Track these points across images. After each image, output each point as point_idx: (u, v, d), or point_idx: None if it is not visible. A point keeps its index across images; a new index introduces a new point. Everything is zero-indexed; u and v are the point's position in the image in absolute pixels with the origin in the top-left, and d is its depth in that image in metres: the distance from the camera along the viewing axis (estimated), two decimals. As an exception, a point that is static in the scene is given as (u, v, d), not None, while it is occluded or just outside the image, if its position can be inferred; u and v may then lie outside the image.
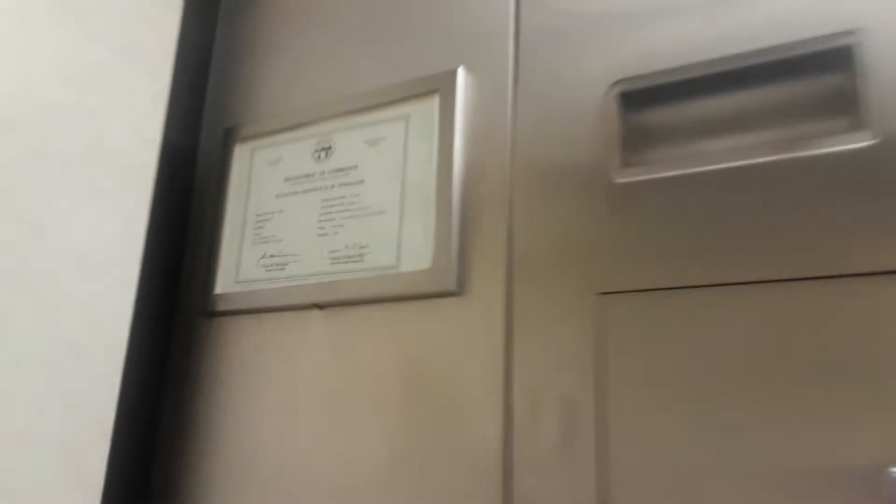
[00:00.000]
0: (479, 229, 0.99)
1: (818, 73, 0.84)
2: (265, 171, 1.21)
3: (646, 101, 0.93)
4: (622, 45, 0.95)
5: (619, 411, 0.83)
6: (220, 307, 1.17)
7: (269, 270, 1.14)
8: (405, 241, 1.03)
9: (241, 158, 1.24)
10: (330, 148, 1.15)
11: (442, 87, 1.06)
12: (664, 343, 0.82)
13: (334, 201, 1.11)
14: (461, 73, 1.06)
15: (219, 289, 1.18)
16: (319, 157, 1.16)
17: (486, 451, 0.90)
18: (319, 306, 1.08)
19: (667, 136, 0.92)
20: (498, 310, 0.95)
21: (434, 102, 1.07)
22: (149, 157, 1.13)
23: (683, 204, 0.85)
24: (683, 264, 0.83)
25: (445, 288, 0.98)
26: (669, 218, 0.86)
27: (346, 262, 1.07)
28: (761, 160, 0.83)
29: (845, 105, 0.82)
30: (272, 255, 1.15)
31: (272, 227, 1.16)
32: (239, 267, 1.18)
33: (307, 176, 1.16)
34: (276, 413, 1.07)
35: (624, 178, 0.90)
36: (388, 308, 1.03)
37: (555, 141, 0.97)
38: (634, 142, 0.93)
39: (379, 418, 0.99)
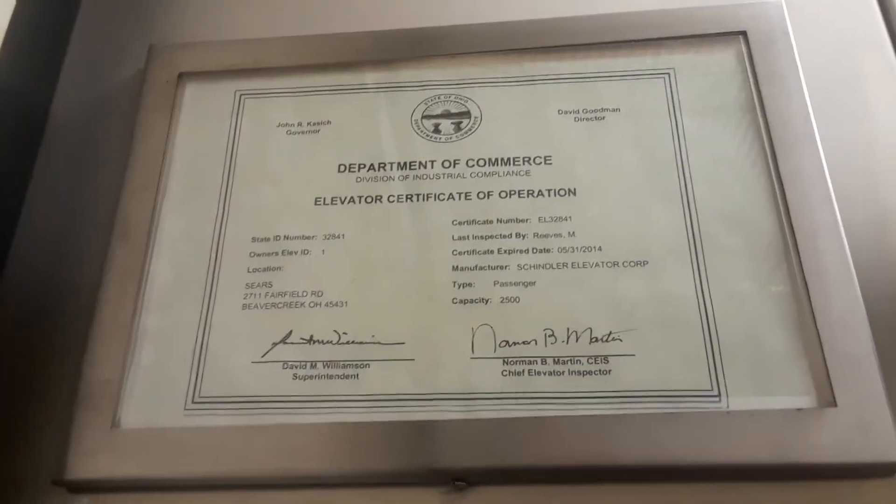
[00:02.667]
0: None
1: None
2: (282, 143, 0.52)
3: None
4: None
5: None
6: (131, 469, 0.42)
7: (307, 378, 0.44)
8: (725, 334, 0.43)
9: (207, 112, 0.54)
10: (467, 114, 0.51)
11: (754, 26, 0.52)
12: None
13: (498, 228, 0.47)
14: (786, 9, 0.52)
15: (130, 419, 0.44)
16: (438, 128, 0.51)
17: None
18: (464, 483, 0.41)
19: None
20: None
21: (733, 51, 0.51)
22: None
23: None
24: None
25: (869, 456, 0.39)
26: None
27: (558, 375, 0.42)
28: None
29: None
30: (313, 339, 0.45)
31: (307, 270, 0.47)
32: (202, 364, 0.45)
33: (404, 165, 0.50)
34: None
35: None
36: (693, 493, 0.40)
37: None
38: None
39: None
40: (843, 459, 0.39)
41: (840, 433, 0.39)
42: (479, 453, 0.41)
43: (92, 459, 0.42)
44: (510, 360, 0.43)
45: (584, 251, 0.46)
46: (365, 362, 0.44)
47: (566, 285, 0.45)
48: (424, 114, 0.52)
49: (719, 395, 0.41)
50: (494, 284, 0.45)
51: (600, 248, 0.46)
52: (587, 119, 0.50)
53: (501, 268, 0.46)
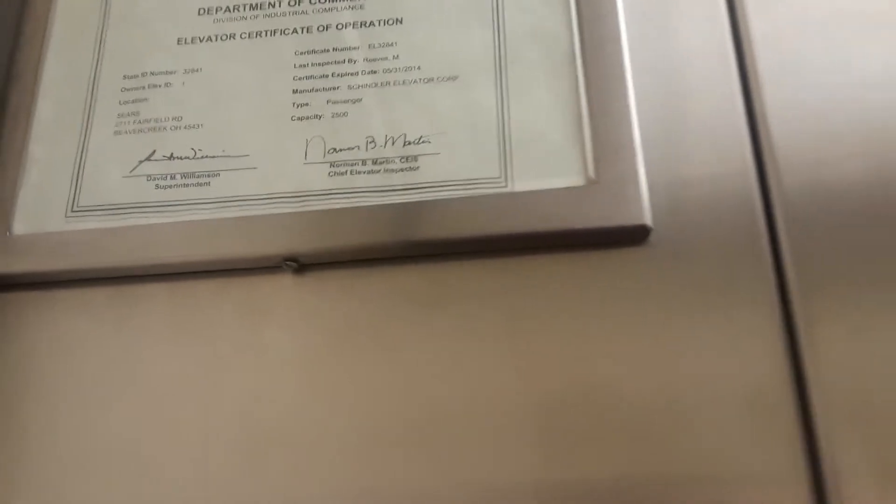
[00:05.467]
0: (685, 98, 0.50)
1: None
2: (148, -8, 0.58)
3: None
4: None
5: None
6: (22, 265, 0.51)
7: (168, 187, 0.52)
8: (516, 131, 0.50)
9: (83, -32, 0.60)
10: (311, -43, 0.57)
11: None
12: None
13: (333, 55, 0.54)
14: None
15: (22, 227, 0.52)
16: (286, -29, 0.57)
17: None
18: (295, 263, 0.49)
19: None
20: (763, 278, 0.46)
21: None
22: None
23: None
24: None
25: (623, 220, 0.47)
26: None
27: (375, 173, 0.50)
28: None
29: None
30: (173, 156, 0.52)
31: (169, 100, 0.54)
32: (79, 181, 0.53)
33: (255, 6, 0.56)
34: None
35: None
36: (486, 267, 0.48)
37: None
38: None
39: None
40: (601, 224, 0.47)
41: (600, 204, 0.47)
42: (308, 238, 0.49)
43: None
44: (336, 163, 0.50)
45: (405, 71, 0.52)
46: (216, 172, 0.51)
47: (388, 101, 0.52)
48: (275, -42, 0.57)
49: (506, 180, 0.48)
50: (327, 103, 0.52)
51: (419, 68, 0.52)
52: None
53: (334, 88, 0.52)
